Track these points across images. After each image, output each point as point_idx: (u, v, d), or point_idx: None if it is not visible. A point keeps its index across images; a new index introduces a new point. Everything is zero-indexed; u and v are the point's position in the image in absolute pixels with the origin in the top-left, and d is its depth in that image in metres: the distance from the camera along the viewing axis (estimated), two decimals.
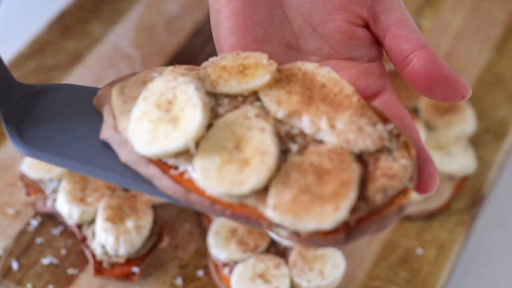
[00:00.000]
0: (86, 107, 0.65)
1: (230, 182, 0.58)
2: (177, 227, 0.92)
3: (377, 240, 0.92)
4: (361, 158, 0.60)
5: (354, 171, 0.59)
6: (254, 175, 0.58)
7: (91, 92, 0.66)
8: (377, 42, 0.68)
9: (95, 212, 0.88)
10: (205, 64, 0.65)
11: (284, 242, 0.87)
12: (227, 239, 0.87)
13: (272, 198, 0.58)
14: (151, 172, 0.61)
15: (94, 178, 0.62)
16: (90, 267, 0.87)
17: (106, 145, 0.63)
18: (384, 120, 0.62)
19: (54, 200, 0.89)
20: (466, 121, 0.99)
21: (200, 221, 0.92)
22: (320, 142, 0.61)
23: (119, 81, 0.65)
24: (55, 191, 0.90)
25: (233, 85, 0.63)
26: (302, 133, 0.61)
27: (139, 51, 1.06)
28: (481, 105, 1.03)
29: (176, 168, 0.60)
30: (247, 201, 0.59)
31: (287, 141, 0.61)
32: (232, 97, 0.63)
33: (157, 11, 1.10)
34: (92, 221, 0.88)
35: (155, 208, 0.90)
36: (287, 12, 0.69)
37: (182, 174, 0.60)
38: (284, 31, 0.69)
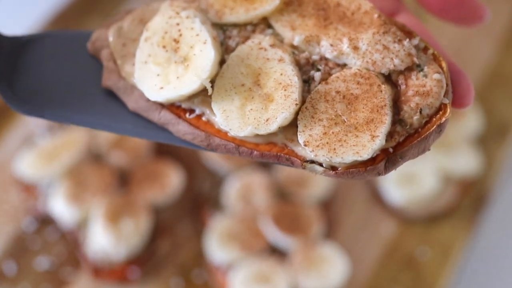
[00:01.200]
0: (81, 53, 0.60)
1: (255, 121, 0.54)
2: (175, 229, 0.92)
3: (380, 242, 0.92)
4: (390, 79, 0.56)
5: (386, 93, 0.54)
6: (280, 111, 0.54)
7: (83, 37, 0.60)
8: None
9: (92, 213, 0.88)
10: None
11: (283, 242, 0.86)
12: (226, 240, 0.87)
13: (302, 134, 0.54)
14: (165, 118, 0.56)
15: (101, 130, 0.57)
16: (87, 270, 0.87)
17: (110, 93, 0.58)
18: (408, 34, 0.57)
19: (50, 202, 0.89)
20: (471, 121, 0.98)
21: (198, 223, 0.92)
22: (343, 66, 0.56)
23: (115, 22, 0.59)
24: (50, 193, 0.90)
25: (241, 13, 0.57)
26: (323, 58, 0.57)
27: None
28: (486, 104, 1.02)
29: (191, 111, 0.56)
30: (275, 139, 0.55)
31: (308, 70, 0.56)
32: (241, 26, 0.58)
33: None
34: (88, 223, 0.88)
35: (153, 209, 0.90)
36: None
37: (199, 117, 0.56)
38: None
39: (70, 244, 0.89)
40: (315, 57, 0.56)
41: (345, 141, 0.53)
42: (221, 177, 0.93)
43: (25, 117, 0.98)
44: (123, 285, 0.87)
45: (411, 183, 0.92)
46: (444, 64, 0.55)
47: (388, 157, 0.53)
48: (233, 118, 0.54)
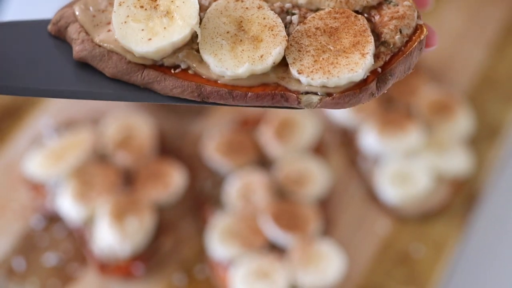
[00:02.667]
0: (41, 37, 0.61)
1: (250, 59, 0.56)
2: (178, 226, 0.92)
3: (375, 239, 0.92)
4: (362, 14, 0.59)
5: (363, 20, 0.57)
6: (273, 48, 0.56)
7: (39, 23, 0.62)
8: None
9: (98, 211, 0.88)
10: None
11: (282, 239, 0.86)
12: (227, 237, 0.87)
13: (293, 66, 0.56)
14: (149, 77, 0.58)
15: (83, 99, 0.57)
16: (93, 266, 0.87)
17: (83, 65, 0.59)
18: None
19: (58, 200, 0.90)
20: (463, 122, 0.99)
21: (199, 220, 0.92)
22: (316, 10, 0.59)
23: (75, 1, 0.61)
24: (58, 192, 0.90)
25: None
26: (296, 6, 0.59)
27: None
28: (477, 106, 1.03)
29: (176, 67, 0.57)
30: (267, 79, 0.57)
31: (284, 17, 0.59)
32: None
33: None
34: (95, 221, 0.88)
35: (157, 208, 0.90)
36: None
37: (185, 71, 0.57)
38: None
39: (77, 241, 0.89)
40: (288, 5, 0.58)
41: (337, 63, 0.55)
42: (222, 177, 0.93)
43: (33, 119, 0.98)
44: (128, 280, 0.87)
45: (406, 183, 0.93)
46: None
47: (378, 77, 0.56)
48: (227, 59, 0.56)
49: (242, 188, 0.91)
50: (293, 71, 0.56)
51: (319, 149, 0.97)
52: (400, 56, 0.57)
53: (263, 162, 0.95)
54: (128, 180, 0.92)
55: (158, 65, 0.57)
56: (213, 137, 0.95)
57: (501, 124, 1.01)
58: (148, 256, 0.87)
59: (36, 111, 0.99)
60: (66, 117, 0.98)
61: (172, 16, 0.57)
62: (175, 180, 0.91)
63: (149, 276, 0.88)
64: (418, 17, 0.59)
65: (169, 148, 0.96)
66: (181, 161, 0.94)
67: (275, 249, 0.88)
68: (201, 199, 0.93)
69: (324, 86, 0.55)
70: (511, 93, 1.04)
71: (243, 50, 0.57)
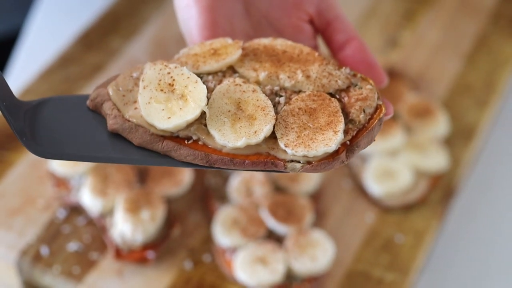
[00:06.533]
0: (81, 110, 0.67)
1: (246, 134, 0.63)
2: (186, 217, 0.92)
3: (362, 229, 0.92)
4: (335, 96, 0.66)
5: (336, 103, 0.65)
6: (264, 124, 0.63)
7: (79, 98, 0.68)
8: (316, 35, 0.73)
9: (115, 205, 0.89)
10: (177, 56, 0.68)
11: (278, 230, 0.87)
12: (230, 227, 0.88)
13: (281, 140, 0.63)
14: (168, 146, 0.64)
15: (115, 163, 0.66)
16: (110, 253, 0.88)
17: (115, 135, 0.65)
18: (340, 66, 0.69)
19: (79, 194, 0.90)
20: (440, 124, 0.99)
21: (206, 212, 0.92)
22: (299, 92, 0.66)
23: (109, 82, 0.67)
24: (79, 186, 0.91)
25: (213, 63, 0.66)
26: (283, 88, 0.66)
27: None
28: (453, 110, 1.03)
29: (189, 139, 0.64)
30: (260, 149, 0.63)
31: (273, 98, 0.66)
32: (214, 74, 0.67)
33: (169, 28, 1.10)
34: (112, 213, 0.89)
35: (167, 201, 0.91)
36: (248, 8, 0.73)
37: (196, 142, 0.64)
38: (245, 24, 0.72)
39: (98, 230, 0.90)
40: (276, 88, 0.66)
41: (315, 138, 0.63)
42: (227, 174, 0.93)
43: None
44: (142, 265, 0.88)
45: (389, 178, 0.94)
46: (371, 81, 0.66)
47: (347, 148, 0.63)
48: (228, 134, 0.63)
49: (244, 183, 0.91)
50: (281, 144, 0.63)
51: None
52: (364, 131, 0.64)
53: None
54: (142, 177, 0.92)
55: (174, 136, 0.64)
56: None
57: (475, 126, 1.02)
58: (159, 244, 0.87)
59: None
60: None
61: (186, 99, 0.64)
62: (184, 177, 0.91)
63: (160, 262, 0.88)
64: (378, 98, 0.66)
65: None
66: None
67: (274, 238, 0.88)
68: (209, 193, 0.93)
69: (305, 156, 0.62)
70: (483, 99, 1.05)
71: (241, 126, 0.63)
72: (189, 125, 0.63)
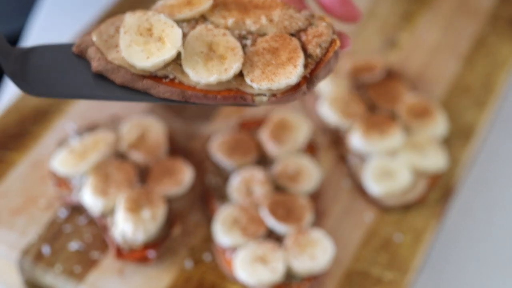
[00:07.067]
0: (67, 56, 0.74)
1: (217, 71, 0.71)
2: (187, 217, 0.92)
3: (361, 228, 0.92)
4: (295, 35, 0.74)
5: (296, 41, 0.73)
6: (233, 63, 0.71)
7: (65, 45, 0.75)
8: None
9: (116, 204, 0.89)
10: (154, 6, 0.75)
11: (278, 229, 0.88)
12: (230, 227, 0.88)
13: (247, 77, 0.71)
14: (147, 84, 0.71)
15: (99, 100, 0.74)
16: (111, 252, 0.88)
17: (99, 76, 0.72)
18: (301, 8, 0.77)
19: (80, 194, 0.90)
20: (439, 125, 1.00)
21: (206, 212, 0.92)
22: (264, 35, 0.74)
23: (92, 31, 0.74)
24: (81, 185, 0.91)
25: (187, 11, 0.74)
26: (249, 32, 0.74)
27: None
28: (451, 111, 1.03)
29: (166, 77, 0.71)
30: (230, 85, 0.71)
31: (241, 40, 0.74)
32: (188, 21, 0.74)
33: None
34: (113, 212, 0.89)
35: (168, 200, 0.91)
36: None
37: (172, 80, 0.71)
38: None
39: (99, 229, 0.90)
40: (243, 32, 0.74)
41: (277, 73, 0.71)
42: (227, 173, 0.93)
43: (59, 123, 0.99)
44: (143, 264, 0.87)
45: (389, 178, 0.94)
46: (327, 19, 0.75)
47: (308, 80, 0.72)
48: (201, 72, 0.71)
49: (244, 183, 0.91)
50: (247, 80, 0.71)
51: (311, 148, 0.97)
52: (321, 64, 0.73)
53: (264, 161, 0.95)
54: (143, 176, 0.92)
55: (153, 76, 0.71)
56: (219, 138, 0.96)
57: (473, 126, 1.02)
58: (160, 243, 0.87)
59: (62, 116, 1.00)
60: (88, 121, 0.99)
61: (164, 41, 0.71)
62: (185, 176, 0.91)
63: (161, 261, 0.88)
64: (333, 33, 0.74)
65: (178, 149, 0.96)
66: (190, 160, 0.94)
67: (274, 238, 0.88)
68: (209, 192, 0.93)
69: (269, 89, 0.71)
70: (481, 99, 1.05)
71: (213, 65, 0.71)
72: (166, 65, 0.71)
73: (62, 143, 0.95)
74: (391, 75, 1.04)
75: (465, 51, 1.11)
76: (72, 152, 0.92)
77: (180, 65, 0.71)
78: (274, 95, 0.71)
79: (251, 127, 0.98)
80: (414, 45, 1.12)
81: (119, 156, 0.93)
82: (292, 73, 0.71)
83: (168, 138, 0.96)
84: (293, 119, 0.98)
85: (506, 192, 1.02)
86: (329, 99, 1.00)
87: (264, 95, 0.71)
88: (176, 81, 0.71)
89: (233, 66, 0.71)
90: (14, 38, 1.20)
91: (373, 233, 0.92)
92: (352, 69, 1.04)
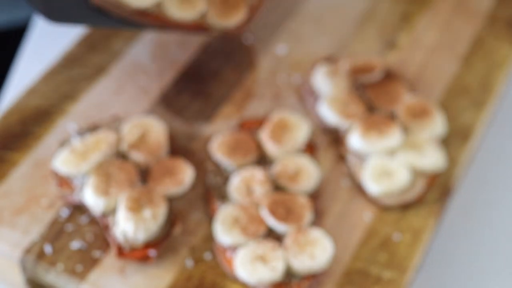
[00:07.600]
0: None
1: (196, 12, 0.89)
2: (187, 216, 0.92)
3: (360, 227, 0.92)
4: None
5: None
6: (202, 5, 0.89)
7: None
8: None
9: (117, 203, 0.89)
10: None
11: (278, 228, 0.88)
12: (231, 226, 0.88)
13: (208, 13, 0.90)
14: (139, 18, 0.86)
15: (98, 26, 0.88)
16: (113, 251, 0.88)
17: (98, 10, 0.84)
18: None
19: (82, 193, 0.90)
20: (437, 125, 1.00)
21: (207, 211, 0.93)
22: None
23: None
24: (82, 185, 0.91)
25: None
26: None
27: (155, 64, 1.06)
28: (450, 111, 1.04)
29: (154, 13, 0.88)
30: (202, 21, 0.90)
31: None
32: None
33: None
34: (114, 211, 0.89)
35: (169, 200, 0.91)
36: None
37: (158, 14, 0.88)
38: None
39: (101, 228, 0.90)
40: None
41: (229, 14, 0.94)
42: (227, 173, 0.94)
43: (61, 123, 0.99)
44: (144, 263, 0.87)
45: (387, 177, 0.94)
46: None
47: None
48: (177, 11, 0.90)
49: (244, 183, 0.91)
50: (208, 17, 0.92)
51: (311, 148, 0.97)
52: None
53: (264, 161, 0.95)
54: (144, 176, 0.92)
55: (144, 12, 0.86)
56: (219, 138, 0.96)
57: (471, 126, 1.02)
58: (161, 242, 0.87)
59: (63, 116, 1.00)
60: (89, 122, 0.99)
61: None
62: (186, 176, 0.91)
63: (162, 260, 0.88)
64: None
65: (179, 149, 0.96)
66: (191, 160, 0.95)
67: (274, 237, 0.88)
68: (209, 192, 0.93)
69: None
70: (479, 100, 1.05)
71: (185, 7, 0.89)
72: (157, 5, 0.87)
73: (63, 143, 0.95)
74: (390, 76, 1.04)
75: (464, 51, 1.11)
76: (73, 152, 0.92)
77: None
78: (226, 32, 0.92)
79: (251, 127, 0.98)
80: (412, 46, 1.12)
81: (120, 156, 0.93)
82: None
83: (168, 138, 0.96)
84: (292, 119, 0.98)
85: (504, 192, 1.03)
86: (329, 99, 1.01)
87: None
88: (161, 15, 0.88)
89: (200, 5, 0.89)
90: (17, 28, 1.20)
91: (372, 232, 0.92)
92: (351, 69, 1.04)
